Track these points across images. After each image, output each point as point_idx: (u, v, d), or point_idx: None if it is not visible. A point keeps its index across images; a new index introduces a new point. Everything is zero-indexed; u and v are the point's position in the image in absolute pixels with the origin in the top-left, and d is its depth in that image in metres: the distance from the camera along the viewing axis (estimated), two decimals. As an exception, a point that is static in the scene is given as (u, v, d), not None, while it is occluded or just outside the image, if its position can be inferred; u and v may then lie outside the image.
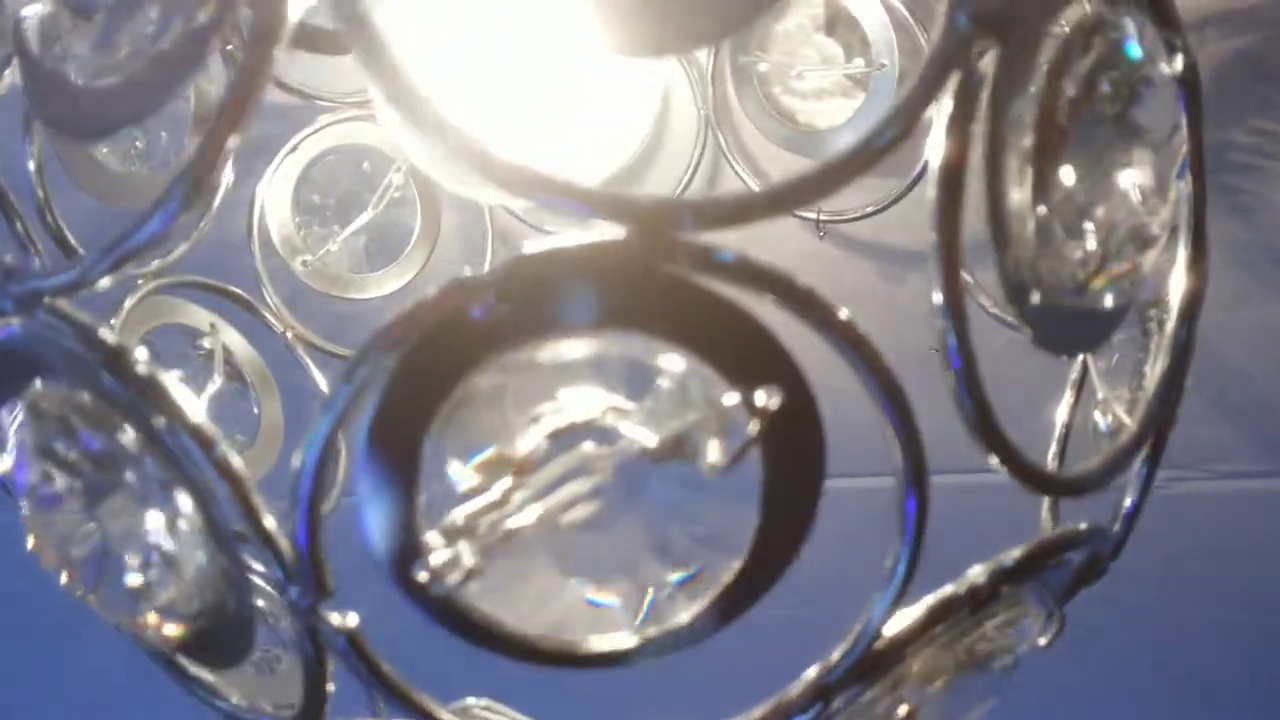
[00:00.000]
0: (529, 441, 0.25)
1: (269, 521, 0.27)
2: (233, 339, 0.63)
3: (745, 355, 0.24)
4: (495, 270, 0.23)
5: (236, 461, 0.27)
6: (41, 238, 0.50)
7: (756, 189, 0.75)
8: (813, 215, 0.73)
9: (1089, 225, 0.27)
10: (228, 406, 0.64)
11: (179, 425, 0.26)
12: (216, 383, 0.59)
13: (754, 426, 0.24)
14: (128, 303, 0.57)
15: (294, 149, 0.67)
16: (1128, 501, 0.36)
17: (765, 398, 0.24)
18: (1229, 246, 0.76)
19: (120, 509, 0.28)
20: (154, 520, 0.28)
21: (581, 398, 0.25)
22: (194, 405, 0.27)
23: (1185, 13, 0.71)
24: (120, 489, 0.28)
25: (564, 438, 0.25)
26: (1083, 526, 0.33)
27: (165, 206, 0.26)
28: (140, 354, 0.26)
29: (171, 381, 0.26)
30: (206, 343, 0.61)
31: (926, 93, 0.24)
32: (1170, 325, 0.30)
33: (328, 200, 0.71)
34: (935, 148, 0.25)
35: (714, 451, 0.24)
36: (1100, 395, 0.41)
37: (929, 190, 0.26)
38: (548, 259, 0.23)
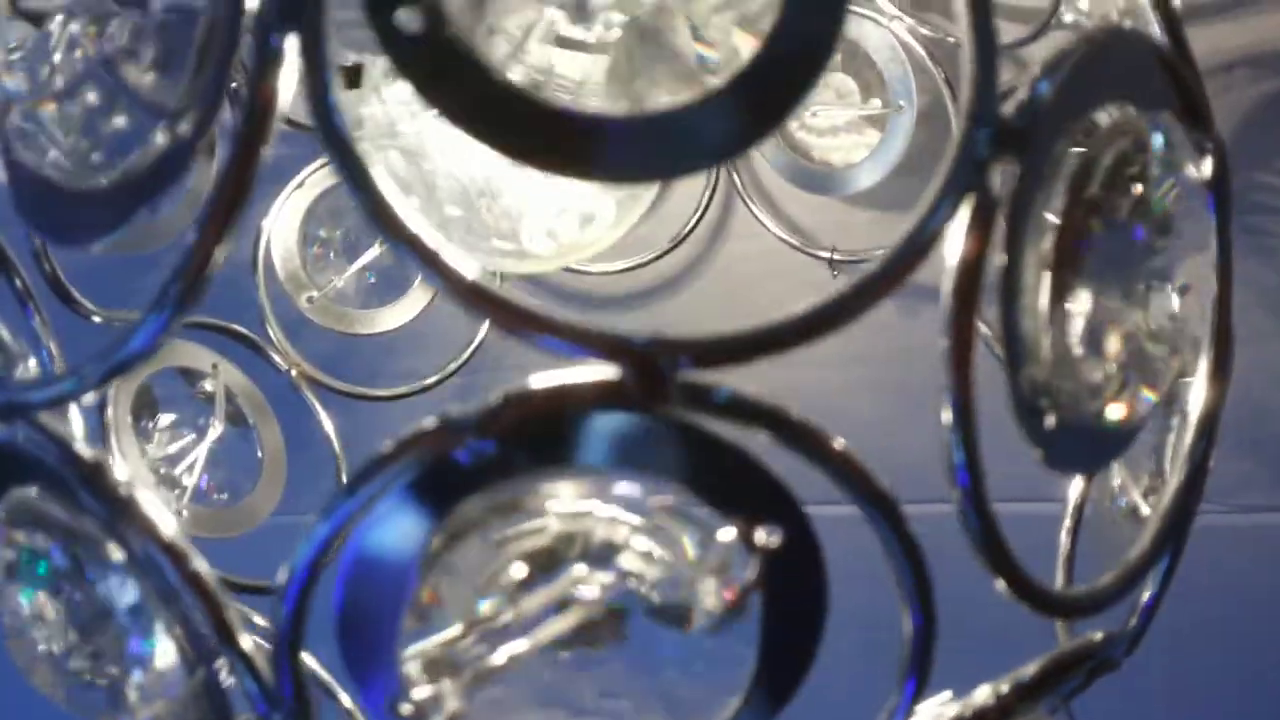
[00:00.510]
0: (510, 567, 0.24)
1: (245, 642, 0.26)
2: (232, 375, 0.62)
3: (744, 494, 0.23)
4: (480, 411, 0.22)
5: (210, 578, 0.26)
6: (37, 283, 0.50)
7: (770, 226, 0.74)
8: (826, 254, 0.72)
9: (1110, 345, 0.26)
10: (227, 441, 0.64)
11: (154, 543, 0.25)
12: (218, 429, 0.59)
13: (754, 569, 0.23)
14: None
15: (300, 184, 0.66)
16: (1146, 595, 0.35)
17: (765, 536, 0.23)
18: (1252, 287, 0.75)
19: (99, 621, 0.28)
20: (132, 632, 0.27)
21: (573, 509, 0.24)
22: (169, 521, 0.26)
23: (1214, 54, 0.70)
24: (98, 600, 0.28)
25: (548, 560, 0.24)
26: (1098, 638, 0.31)
27: (153, 319, 0.25)
28: (121, 472, 0.25)
29: (149, 498, 0.25)
30: (208, 385, 0.60)
31: (940, 217, 0.23)
32: (1188, 439, 0.29)
33: (334, 235, 0.70)
34: (949, 261, 0.24)
35: (711, 596, 0.23)
36: (1118, 480, 0.39)
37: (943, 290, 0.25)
38: (536, 400, 0.22)
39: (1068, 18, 0.45)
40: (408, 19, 0.22)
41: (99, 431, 0.56)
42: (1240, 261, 0.34)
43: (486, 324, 0.76)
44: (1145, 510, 0.39)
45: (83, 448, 0.26)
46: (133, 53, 0.25)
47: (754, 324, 0.22)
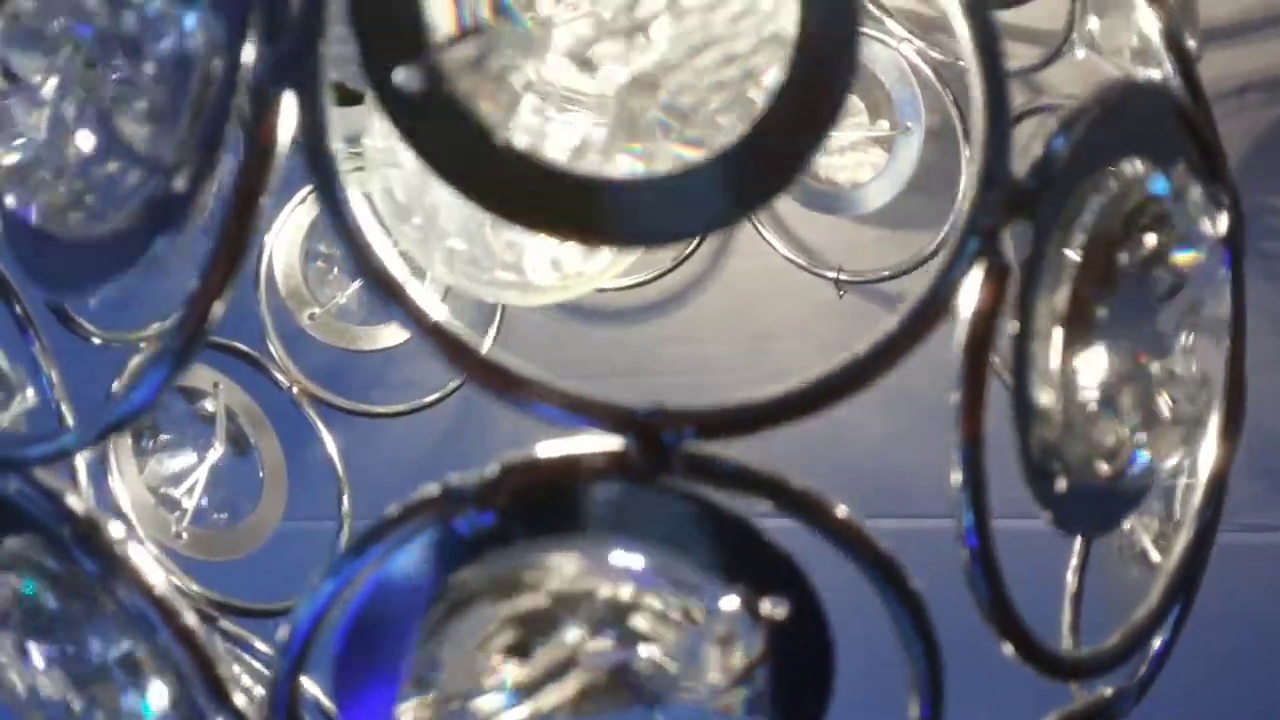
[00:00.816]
0: (508, 630, 0.23)
1: (239, 699, 0.25)
2: (232, 393, 0.62)
3: (749, 564, 0.22)
4: (481, 481, 0.21)
5: (202, 635, 0.25)
6: (40, 312, 0.49)
7: (775, 245, 0.74)
8: (832, 274, 0.71)
9: (1123, 406, 0.26)
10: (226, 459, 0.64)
11: (147, 600, 0.25)
12: (219, 450, 0.58)
13: (760, 640, 0.22)
14: (131, 364, 0.56)
15: (303, 200, 0.66)
16: (1157, 643, 0.35)
17: (771, 608, 0.22)
18: (1264, 313, 0.74)
19: (92, 672, 0.27)
20: (125, 685, 0.27)
21: (574, 575, 0.24)
22: (161, 577, 0.25)
23: (1226, 78, 0.69)
24: (92, 652, 0.27)
25: (546, 623, 0.23)
26: (1108, 693, 0.31)
27: (151, 375, 0.24)
28: (116, 529, 0.25)
29: (142, 553, 0.25)
30: (209, 404, 0.60)
31: (951, 281, 0.23)
32: (1197, 499, 0.28)
33: (335, 250, 0.70)
34: (959, 332, 0.24)
35: (716, 668, 0.22)
36: (1127, 523, 0.39)
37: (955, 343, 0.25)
38: (537, 471, 0.21)
39: (1080, 54, 0.45)
40: (407, 78, 0.22)
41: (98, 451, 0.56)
42: (1251, 286, 0.34)
43: (490, 338, 0.76)
44: (1154, 555, 0.38)
45: (76, 502, 0.25)
46: (127, 103, 0.24)
47: (760, 395, 0.21)
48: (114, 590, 0.26)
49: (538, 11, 0.24)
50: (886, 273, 0.69)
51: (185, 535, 0.55)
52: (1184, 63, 0.34)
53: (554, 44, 0.24)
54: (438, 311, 0.21)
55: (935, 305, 0.23)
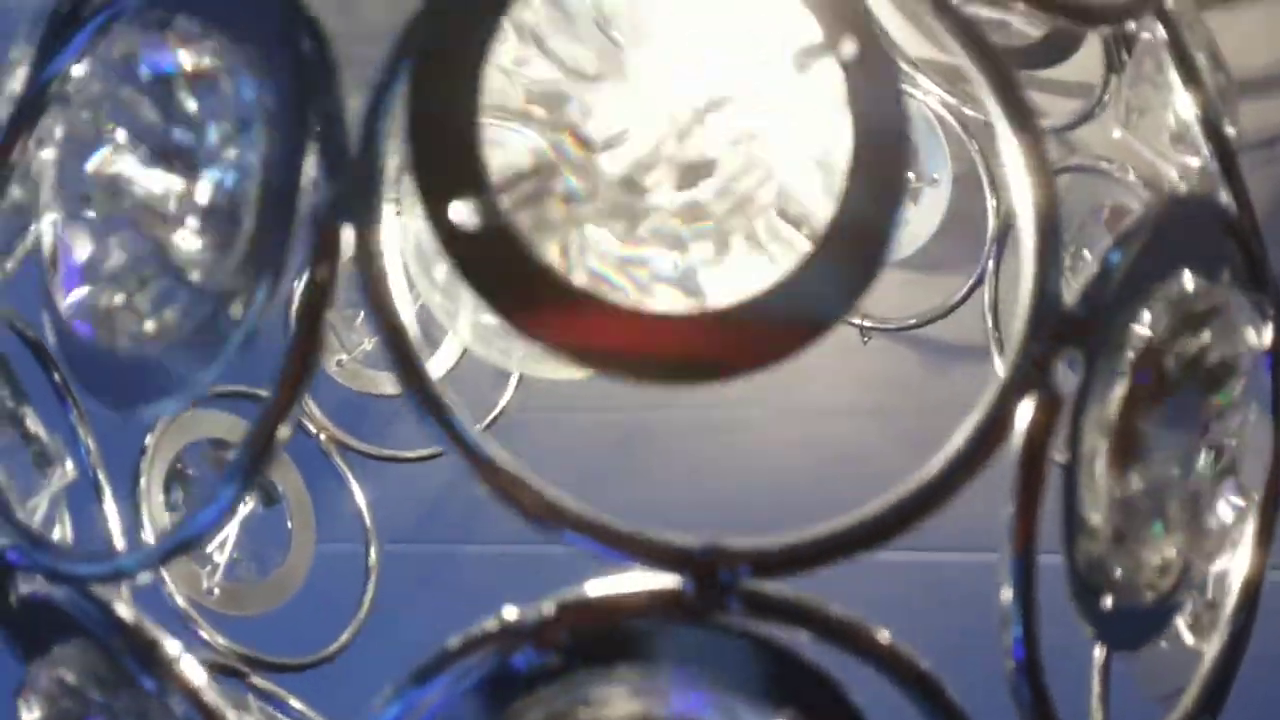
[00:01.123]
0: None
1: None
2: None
3: (800, 694, 0.22)
4: (538, 618, 0.21)
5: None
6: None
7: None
8: (857, 322, 0.71)
9: (1171, 521, 0.26)
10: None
11: (195, 708, 0.25)
12: (249, 504, 0.59)
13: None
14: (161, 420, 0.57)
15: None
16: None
17: (822, 737, 0.22)
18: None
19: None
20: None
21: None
22: (204, 677, 0.25)
23: (1255, 130, 0.68)
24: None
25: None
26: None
27: (215, 504, 0.25)
28: (173, 648, 0.25)
29: (197, 671, 0.25)
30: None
31: (1005, 412, 0.23)
32: (1229, 607, 0.28)
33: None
34: (1013, 461, 0.24)
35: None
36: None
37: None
38: (594, 610, 0.21)
39: (1116, 134, 0.45)
40: (464, 213, 0.22)
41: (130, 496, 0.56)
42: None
43: (513, 384, 0.76)
44: (1187, 636, 0.38)
45: (126, 612, 0.26)
46: (181, 226, 0.25)
47: (818, 530, 0.22)
48: (165, 699, 0.26)
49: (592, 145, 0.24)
50: (913, 320, 0.69)
51: (216, 591, 0.55)
52: (1223, 151, 0.34)
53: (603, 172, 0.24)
54: (496, 452, 0.21)
55: (991, 433, 0.23)
